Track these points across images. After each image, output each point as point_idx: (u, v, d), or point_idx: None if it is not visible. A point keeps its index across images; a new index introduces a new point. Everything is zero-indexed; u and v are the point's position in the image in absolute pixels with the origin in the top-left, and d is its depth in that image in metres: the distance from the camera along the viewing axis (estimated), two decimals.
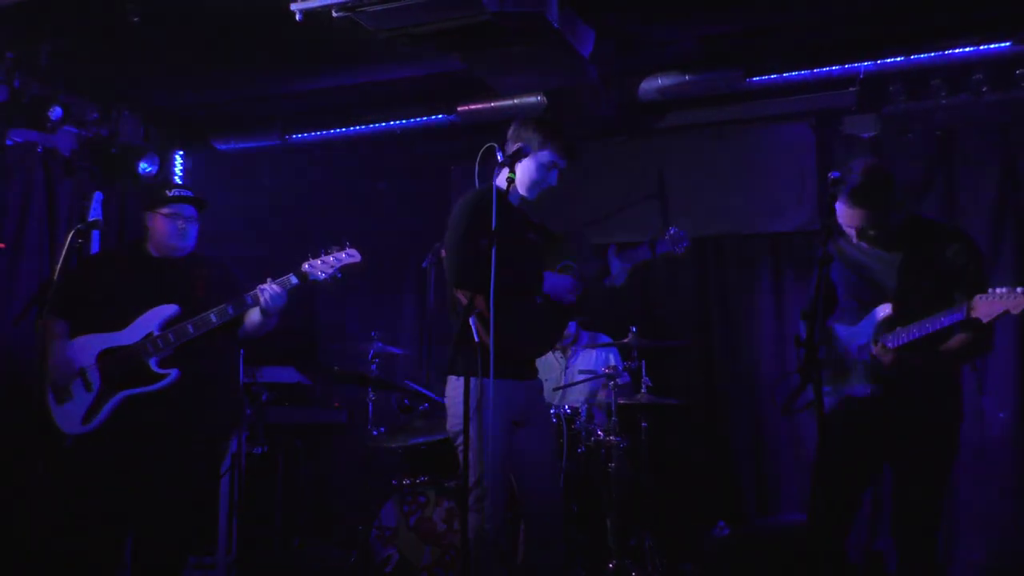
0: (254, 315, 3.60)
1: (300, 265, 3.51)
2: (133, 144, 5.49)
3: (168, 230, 3.62)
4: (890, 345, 3.04)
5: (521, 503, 3.25)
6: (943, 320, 2.96)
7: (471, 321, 2.94)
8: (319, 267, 3.49)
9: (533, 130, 3.24)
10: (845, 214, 3.11)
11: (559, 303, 3.28)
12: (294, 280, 3.51)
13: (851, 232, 3.15)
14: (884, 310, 3.14)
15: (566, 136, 3.30)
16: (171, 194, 3.66)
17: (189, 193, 3.70)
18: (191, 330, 3.48)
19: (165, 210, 3.62)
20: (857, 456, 3.17)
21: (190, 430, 3.52)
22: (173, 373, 3.46)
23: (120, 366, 3.48)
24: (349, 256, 3.54)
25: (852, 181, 3.02)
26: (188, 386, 3.50)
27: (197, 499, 3.64)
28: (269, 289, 3.47)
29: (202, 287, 3.60)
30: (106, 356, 3.50)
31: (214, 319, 3.48)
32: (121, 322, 3.51)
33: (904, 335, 3.03)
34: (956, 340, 3.06)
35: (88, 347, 3.53)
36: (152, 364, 3.47)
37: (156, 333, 3.48)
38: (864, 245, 3.18)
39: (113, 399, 3.45)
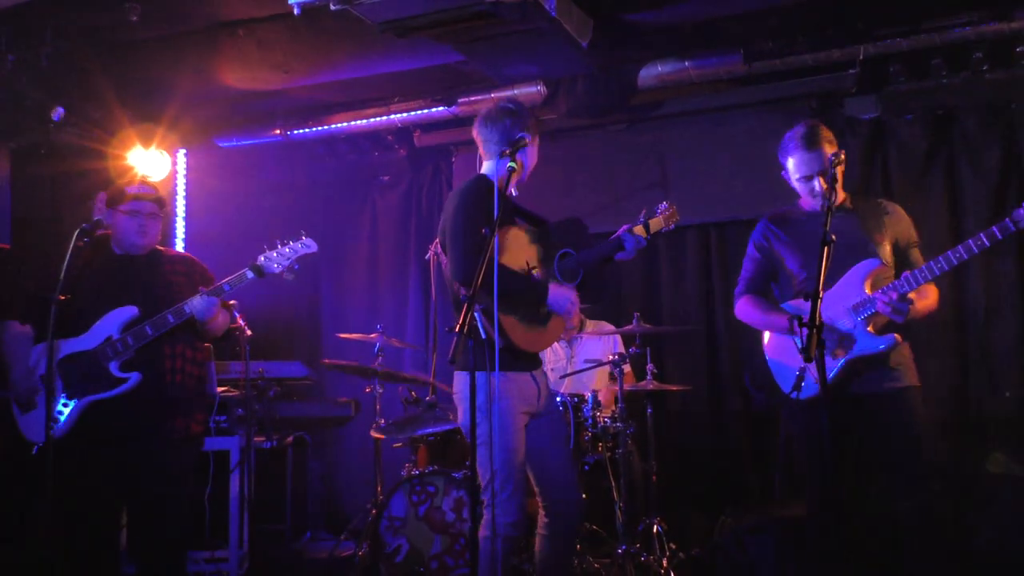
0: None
1: (256, 258, 3.47)
2: (136, 144, 5.51)
3: (128, 227, 3.54)
4: (905, 290, 3.10)
5: (542, 496, 3.21)
6: (984, 241, 3.04)
7: (476, 315, 2.88)
8: (274, 259, 3.46)
9: (526, 118, 3.25)
10: (804, 161, 3.28)
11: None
12: (249, 275, 3.45)
13: (814, 183, 3.28)
14: (869, 265, 3.18)
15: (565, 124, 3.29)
16: (130, 191, 3.59)
17: (149, 190, 3.64)
18: (149, 331, 3.39)
19: (124, 207, 3.54)
20: (834, 429, 3.20)
21: (161, 431, 3.44)
22: (134, 377, 3.38)
23: (81, 372, 3.39)
24: (305, 247, 3.52)
25: (799, 133, 3.29)
26: (153, 388, 3.43)
27: (182, 497, 3.53)
28: (196, 300, 3.41)
29: (162, 285, 3.53)
30: (67, 362, 3.41)
31: (171, 319, 3.40)
32: (82, 325, 3.43)
33: (920, 276, 3.09)
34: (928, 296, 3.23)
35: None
36: (112, 368, 3.38)
37: (115, 336, 3.40)
38: (821, 208, 3.26)
39: (76, 406, 3.38)
